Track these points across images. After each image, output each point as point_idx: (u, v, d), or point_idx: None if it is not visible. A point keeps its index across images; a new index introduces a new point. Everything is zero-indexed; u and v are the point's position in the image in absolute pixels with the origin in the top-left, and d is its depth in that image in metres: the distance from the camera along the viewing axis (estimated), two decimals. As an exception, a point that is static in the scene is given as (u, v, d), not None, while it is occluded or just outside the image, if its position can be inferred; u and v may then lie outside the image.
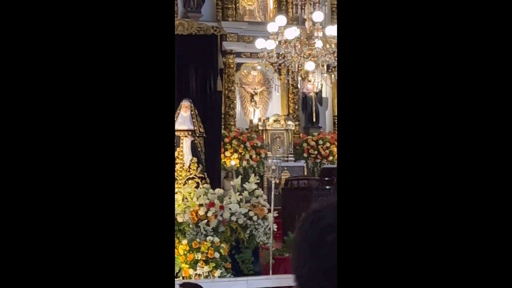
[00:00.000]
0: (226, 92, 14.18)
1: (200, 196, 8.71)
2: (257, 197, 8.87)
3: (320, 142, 14.53)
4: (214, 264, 8.20)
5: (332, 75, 10.58)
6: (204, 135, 10.33)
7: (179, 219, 8.59)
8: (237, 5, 14.80)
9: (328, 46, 9.79)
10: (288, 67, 10.26)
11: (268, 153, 13.92)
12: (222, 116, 13.47)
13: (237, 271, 8.49)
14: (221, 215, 8.55)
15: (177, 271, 8.20)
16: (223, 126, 13.45)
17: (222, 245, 8.33)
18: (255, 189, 8.94)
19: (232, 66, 14.49)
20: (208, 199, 8.66)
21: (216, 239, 8.33)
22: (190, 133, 10.09)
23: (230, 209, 8.61)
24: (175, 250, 8.06)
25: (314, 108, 15.04)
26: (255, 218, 8.67)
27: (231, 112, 14.37)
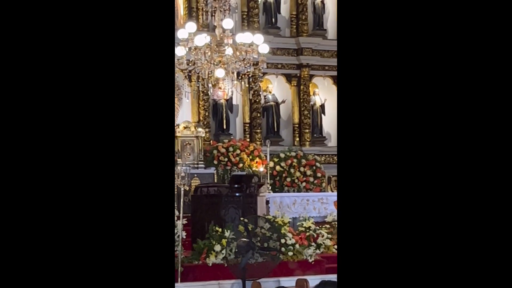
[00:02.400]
0: (136, 98, 14.01)
1: (108, 203, 8.55)
2: (166, 204, 8.79)
3: (231, 149, 14.56)
4: (122, 273, 8.07)
5: (242, 82, 10.62)
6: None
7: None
8: (147, 10, 14.67)
9: (238, 53, 9.82)
10: (198, 74, 10.22)
11: (178, 160, 13.85)
12: (132, 122, 13.29)
13: (146, 279, 8.40)
14: (130, 223, 8.44)
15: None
16: (132, 133, 13.28)
17: (130, 253, 8.23)
18: (164, 196, 8.86)
19: (142, 72, 14.33)
20: (116, 206, 8.51)
21: (124, 247, 8.21)
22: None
23: (138, 216, 8.51)
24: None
25: (224, 115, 15.08)
26: (164, 225, 8.60)
27: (141, 119, 14.21)
